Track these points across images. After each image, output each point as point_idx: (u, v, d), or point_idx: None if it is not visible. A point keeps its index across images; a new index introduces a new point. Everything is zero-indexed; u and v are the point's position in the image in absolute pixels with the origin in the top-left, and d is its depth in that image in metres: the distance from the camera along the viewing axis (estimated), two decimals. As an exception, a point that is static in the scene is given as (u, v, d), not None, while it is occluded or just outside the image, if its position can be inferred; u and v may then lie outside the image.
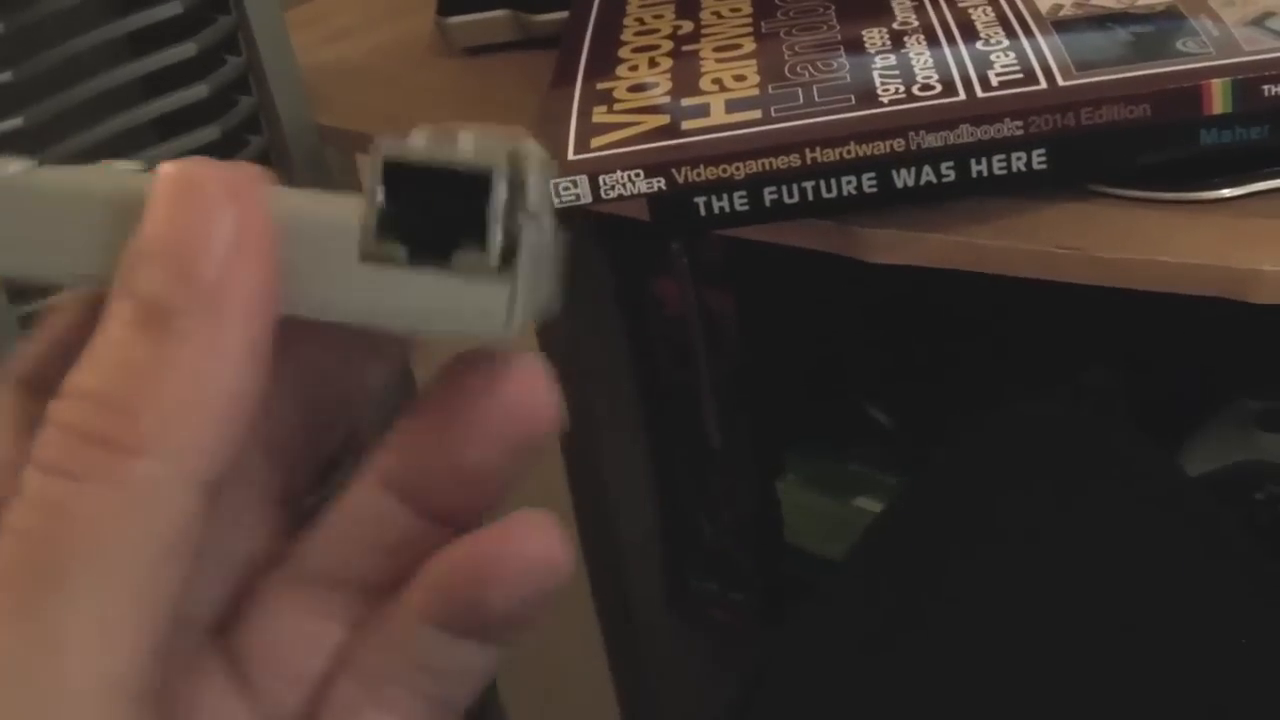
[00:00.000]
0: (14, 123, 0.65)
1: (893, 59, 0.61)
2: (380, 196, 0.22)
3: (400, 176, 0.22)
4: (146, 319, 0.22)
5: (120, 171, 0.24)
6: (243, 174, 0.23)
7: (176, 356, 0.22)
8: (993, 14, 0.63)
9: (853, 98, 0.59)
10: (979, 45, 0.60)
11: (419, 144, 0.22)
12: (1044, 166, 0.58)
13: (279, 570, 0.27)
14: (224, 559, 0.27)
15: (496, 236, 0.22)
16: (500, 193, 0.22)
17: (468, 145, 0.22)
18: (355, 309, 0.23)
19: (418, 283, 0.22)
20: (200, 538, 0.23)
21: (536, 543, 0.24)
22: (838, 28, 0.65)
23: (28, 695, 0.21)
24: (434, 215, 0.22)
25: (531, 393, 0.24)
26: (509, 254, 0.22)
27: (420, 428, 0.25)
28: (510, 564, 0.24)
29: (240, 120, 0.73)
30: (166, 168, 0.23)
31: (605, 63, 0.67)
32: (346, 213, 0.23)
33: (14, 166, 0.25)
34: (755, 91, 0.61)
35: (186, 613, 0.24)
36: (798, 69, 0.62)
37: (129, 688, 0.21)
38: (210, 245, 0.22)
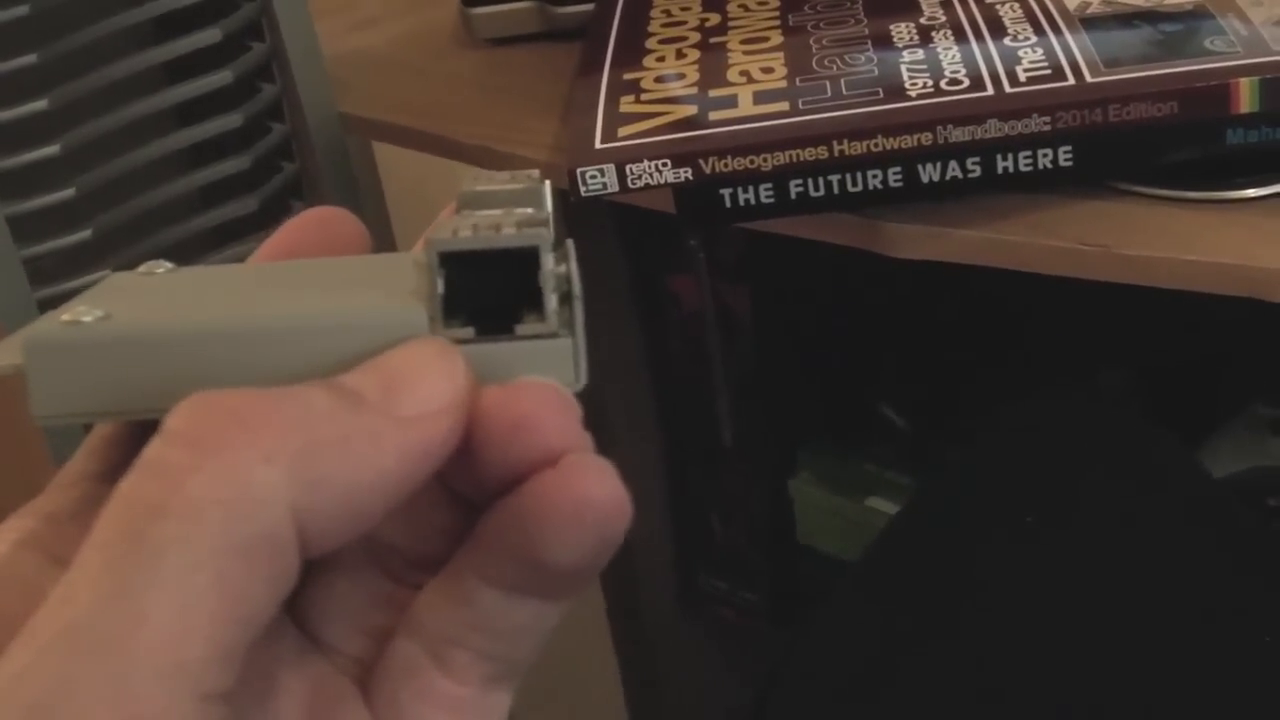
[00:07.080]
0: (38, 105, 0.65)
1: (921, 54, 0.61)
2: (440, 287, 0.25)
3: (454, 261, 0.25)
4: (336, 390, 0.23)
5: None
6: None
7: (351, 415, 0.23)
8: (1020, 10, 0.63)
9: (881, 91, 0.59)
10: (1007, 41, 0.60)
11: (466, 234, 0.25)
12: (1070, 163, 0.58)
13: None
14: None
15: (552, 304, 0.25)
16: (548, 264, 0.25)
17: (510, 227, 0.25)
18: None
19: (490, 352, 0.25)
20: (290, 580, 0.22)
21: (597, 486, 0.23)
22: (865, 22, 0.65)
23: (101, 665, 0.20)
24: (491, 291, 0.25)
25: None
26: (565, 316, 0.25)
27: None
28: (571, 510, 0.23)
29: (263, 107, 0.73)
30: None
31: (632, 53, 0.67)
32: (414, 305, 0.25)
33: (161, 269, 0.28)
34: (783, 84, 0.61)
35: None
36: (825, 62, 0.62)
37: (198, 683, 0.21)
38: (423, 390, 0.24)
